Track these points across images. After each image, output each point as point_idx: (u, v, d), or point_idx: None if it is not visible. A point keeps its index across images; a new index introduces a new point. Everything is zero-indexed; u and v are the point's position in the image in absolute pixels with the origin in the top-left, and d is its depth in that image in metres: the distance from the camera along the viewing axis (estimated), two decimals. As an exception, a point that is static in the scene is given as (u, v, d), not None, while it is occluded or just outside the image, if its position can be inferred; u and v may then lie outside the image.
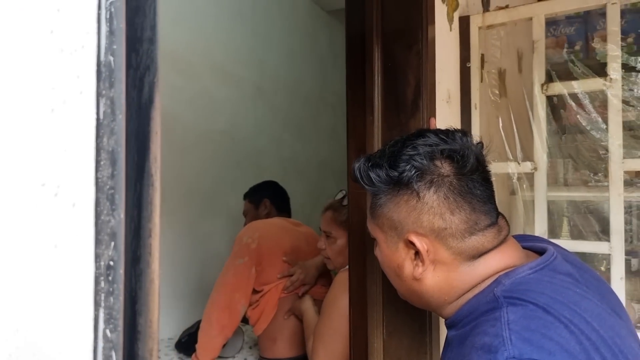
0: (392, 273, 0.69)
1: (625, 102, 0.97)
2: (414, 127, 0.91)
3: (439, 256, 0.62)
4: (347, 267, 1.39)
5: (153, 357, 0.29)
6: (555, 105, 1.04)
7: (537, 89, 1.03)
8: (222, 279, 1.68)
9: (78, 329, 0.27)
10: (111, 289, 0.27)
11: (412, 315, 0.90)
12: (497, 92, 1.12)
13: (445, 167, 0.62)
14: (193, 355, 1.66)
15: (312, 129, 3.54)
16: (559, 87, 1.02)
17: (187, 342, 1.97)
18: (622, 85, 0.96)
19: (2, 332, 0.25)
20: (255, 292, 1.69)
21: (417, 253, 0.63)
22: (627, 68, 0.98)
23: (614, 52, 0.95)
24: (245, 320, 1.94)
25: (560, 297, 0.56)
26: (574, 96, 1.01)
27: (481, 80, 1.12)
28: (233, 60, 2.75)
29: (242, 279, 1.65)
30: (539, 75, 1.03)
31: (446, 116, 1.01)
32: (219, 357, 1.83)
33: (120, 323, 0.27)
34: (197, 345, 1.66)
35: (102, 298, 0.27)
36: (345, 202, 1.44)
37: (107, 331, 0.27)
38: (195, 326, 2.00)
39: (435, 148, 0.62)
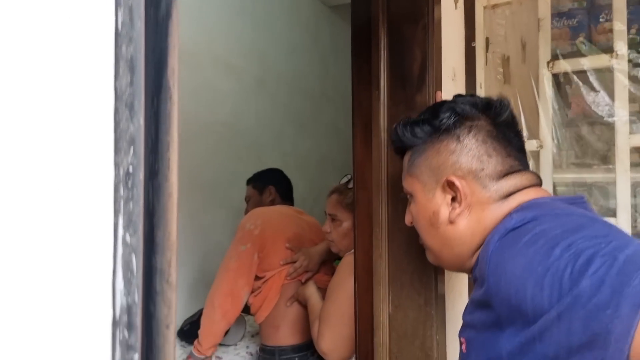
0: (427, 223, 0.71)
1: (631, 78, 0.97)
2: (420, 101, 0.91)
3: (475, 197, 0.65)
4: (353, 250, 1.39)
5: (172, 269, 0.29)
6: (560, 83, 1.04)
7: (542, 66, 1.03)
8: (225, 265, 1.68)
9: (98, 235, 0.27)
10: (130, 195, 0.27)
11: (418, 289, 0.90)
12: (501, 77, 1.12)
13: (483, 115, 0.68)
14: (195, 341, 1.66)
15: (313, 124, 3.54)
16: (564, 65, 1.02)
17: (189, 331, 1.96)
18: (628, 62, 0.96)
19: (25, 238, 0.25)
20: (257, 278, 1.69)
21: (454, 198, 0.67)
22: (631, 56, 0.98)
23: (619, 28, 0.95)
24: (246, 310, 1.94)
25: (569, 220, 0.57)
26: (579, 73, 1.01)
27: (486, 63, 1.12)
28: (235, 53, 2.76)
29: (245, 266, 1.65)
30: (544, 53, 1.03)
31: (452, 93, 1.01)
32: (221, 344, 1.82)
33: (140, 228, 0.27)
34: (199, 331, 1.65)
35: (122, 205, 0.27)
36: (350, 185, 1.44)
37: (127, 236, 0.27)
38: (197, 315, 2.00)
39: (473, 99, 0.69)
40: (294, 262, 1.68)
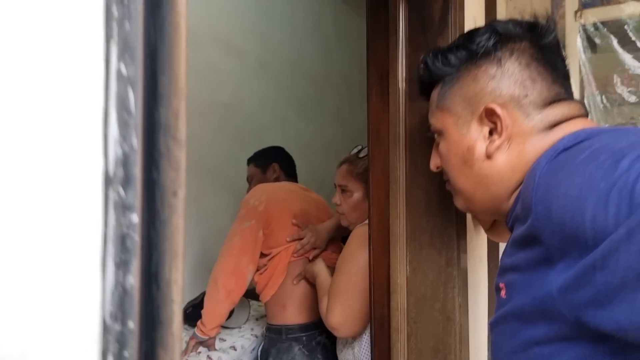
0: (459, 162, 0.64)
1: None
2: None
3: (516, 127, 0.59)
4: (365, 222, 1.33)
5: (180, 122, 0.23)
6: (589, 35, 0.97)
7: (569, 17, 0.96)
8: (228, 243, 1.61)
9: (86, 66, 0.20)
10: (126, 13, 0.21)
11: (439, 248, 0.83)
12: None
13: (526, 36, 0.61)
14: (198, 322, 1.60)
15: (316, 109, 3.47)
16: (593, 14, 0.96)
17: (192, 313, 1.90)
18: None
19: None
20: (263, 256, 1.63)
21: (492, 131, 0.61)
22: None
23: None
24: (249, 294, 1.88)
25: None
26: (608, 23, 0.95)
27: (506, 15, 1.05)
28: (236, 32, 2.69)
29: (249, 243, 1.59)
30: (572, 3, 0.96)
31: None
32: (224, 327, 1.76)
33: (139, 56, 0.21)
34: (202, 311, 1.59)
35: (115, 27, 0.21)
36: (362, 155, 1.38)
37: (122, 66, 0.20)
38: (199, 298, 1.94)
39: (515, 20, 0.62)
40: (301, 238, 1.62)
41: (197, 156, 2.47)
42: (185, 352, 1.58)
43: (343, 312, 1.22)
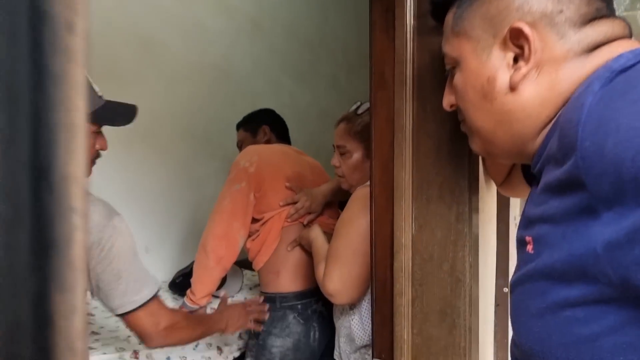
0: (477, 96, 0.54)
1: None
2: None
3: (547, 51, 0.49)
4: (367, 184, 1.24)
5: None
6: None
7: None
8: (218, 207, 1.52)
9: None
10: None
11: (449, 203, 0.75)
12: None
13: None
14: (188, 291, 1.52)
15: (312, 75, 3.34)
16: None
17: (181, 283, 1.83)
18: None
19: None
20: (254, 221, 1.54)
21: (517, 58, 0.51)
22: None
23: None
24: (243, 265, 1.81)
25: None
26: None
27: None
28: (228, -11, 2.54)
29: (240, 206, 1.50)
30: None
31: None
32: (216, 296, 1.69)
33: None
34: (192, 279, 1.52)
35: None
36: (360, 112, 1.28)
37: None
38: (189, 267, 1.86)
39: None
40: (295, 202, 1.53)
41: (186, 121, 2.36)
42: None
43: (342, 277, 1.14)
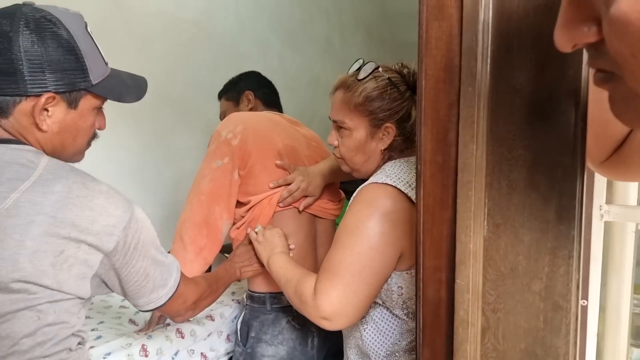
0: None
1: None
2: None
3: None
4: (376, 177, 0.97)
5: None
6: None
7: None
8: (195, 187, 1.25)
9: None
10: None
11: (543, 193, 0.49)
12: None
13: None
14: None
15: (304, 37, 3.02)
16: None
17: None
18: None
19: None
20: (240, 204, 1.27)
21: None
22: None
23: None
24: (227, 250, 1.55)
25: None
26: None
27: None
28: None
29: (221, 187, 1.23)
30: None
31: None
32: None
33: None
34: (166, 274, 1.25)
35: None
36: (362, 76, 0.99)
37: None
38: (166, 255, 1.60)
39: None
40: (289, 184, 1.26)
41: (162, 86, 2.05)
42: (148, 325, 1.25)
43: (344, 298, 0.87)
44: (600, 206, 0.68)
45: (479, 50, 0.50)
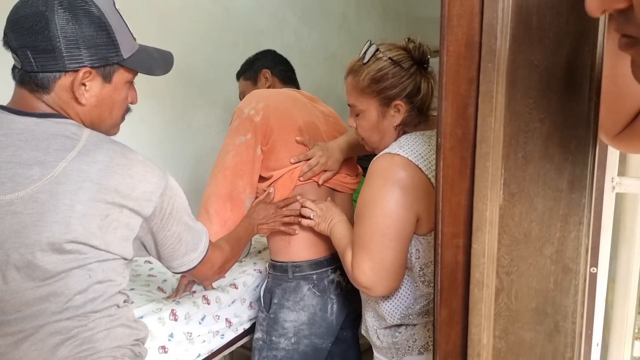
0: None
1: None
2: None
3: None
4: (389, 149, 1.01)
5: None
6: None
7: None
8: (220, 162, 1.30)
9: None
10: None
11: (557, 163, 0.52)
12: None
13: None
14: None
15: (320, 13, 3.01)
16: None
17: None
18: None
19: None
20: (262, 179, 1.32)
21: None
22: None
23: None
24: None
25: None
26: None
27: None
28: None
29: (245, 162, 1.28)
30: None
31: None
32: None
33: None
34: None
35: None
36: (367, 59, 1.03)
37: None
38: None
39: None
40: (309, 159, 1.30)
41: (183, 64, 2.07)
42: (176, 292, 1.33)
43: (374, 267, 0.96)
44: (612, 178, 0.70)
45: (499, 27, 0.53)
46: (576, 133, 0.52)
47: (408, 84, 1.02)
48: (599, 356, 0.71)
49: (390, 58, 1.01)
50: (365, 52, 1.04)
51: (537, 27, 0.52)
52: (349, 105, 1.11)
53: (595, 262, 0.68)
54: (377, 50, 1.02)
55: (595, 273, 0.69)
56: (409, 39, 1.05)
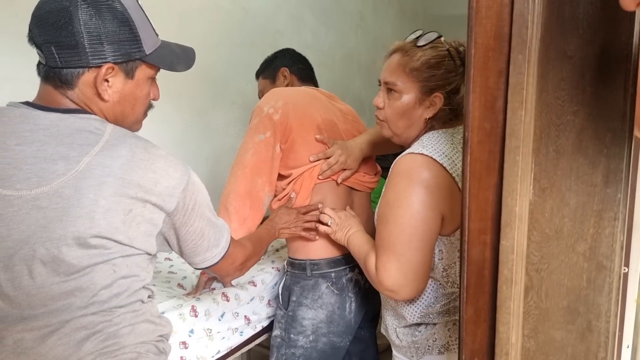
0: None
1: None
2: None
3: None
4: (412, 146, 1.00)
5: None
6: None
7: None
8: (239, 160, 1.30)
9: None
10: None
11: (591, 157, 0.51)
12: None
13: None
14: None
15: (337, 13, 3.00)
16: None
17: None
18: None
19: None
20: (281, 177, 1.32)
21: None
22: None
23: None
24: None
25: None
26: None
27: None
28: None
29: (264, 160, 1.28)
30: None
31: None
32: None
33: None
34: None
35: None
36: (422, 42, 1.01)
37: None
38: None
39: None
40: (328, 157, 1.30)
41: (202, 64, 2.08)
42: (196, 289, 1.34)
43: (401, 269, 0.93)
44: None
45: (530, 17, 0.51)
46: (611, 125, 0.50)
47: (454, 80, 1.02)
48: (629, 358, 0.68)
49: (448, 50, 1.01)
50: (419, 37, 1.03)
51: (570, 17, 0.51)
52: (384, 82, 1.07)
53: (627, 262, 0.66)
54: (439, 37, 1.02)
55: (627, 273, 0.67)
56: (459, 42, 1.05)
